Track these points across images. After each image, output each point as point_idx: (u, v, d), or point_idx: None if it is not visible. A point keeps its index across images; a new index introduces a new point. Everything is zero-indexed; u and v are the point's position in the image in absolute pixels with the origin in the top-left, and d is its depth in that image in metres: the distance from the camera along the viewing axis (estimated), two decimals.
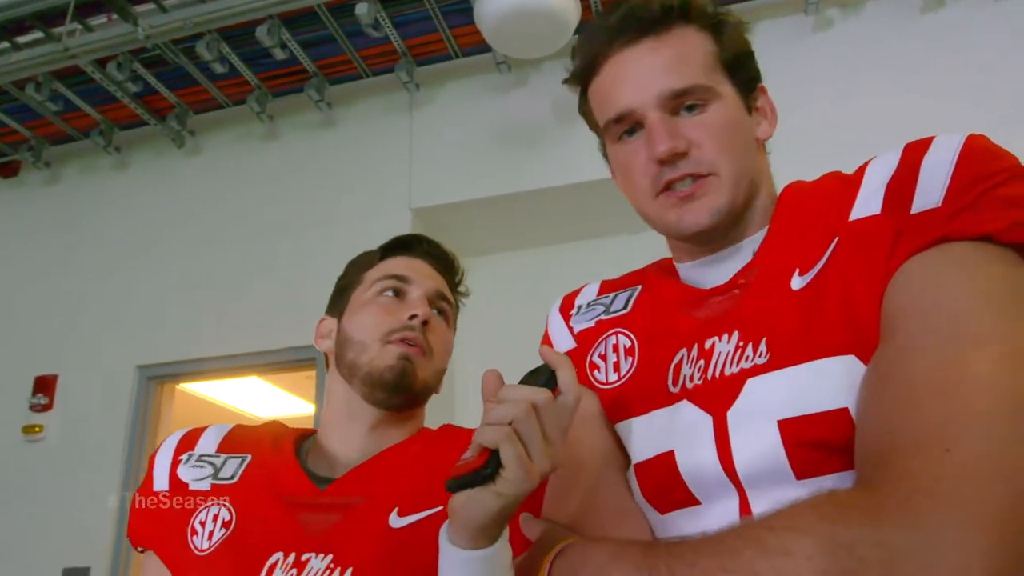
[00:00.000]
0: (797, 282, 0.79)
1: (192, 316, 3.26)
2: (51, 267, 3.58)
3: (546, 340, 1.03)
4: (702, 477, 0.79)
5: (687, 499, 0.80)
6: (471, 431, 1.12)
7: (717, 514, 0.77)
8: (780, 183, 0.94)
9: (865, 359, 0.71)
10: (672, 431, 0.82)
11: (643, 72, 0.87)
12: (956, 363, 0.63)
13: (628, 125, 0.88)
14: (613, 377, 0.92)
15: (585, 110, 0.97)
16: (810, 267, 0.79)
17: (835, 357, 0.72)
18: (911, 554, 0.55)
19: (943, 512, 0.56)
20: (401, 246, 1.25)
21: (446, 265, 1.27)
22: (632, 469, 0.87)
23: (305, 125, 3.47)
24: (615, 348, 0.93)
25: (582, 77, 0.94)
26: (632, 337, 0.93)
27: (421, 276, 1.20)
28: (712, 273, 0.90)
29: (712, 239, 0.89)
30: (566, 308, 1.04)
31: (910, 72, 2.79)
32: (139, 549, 1.12)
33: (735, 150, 0.86)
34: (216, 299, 3.24)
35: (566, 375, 0.77)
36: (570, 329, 1.01)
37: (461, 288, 1.30)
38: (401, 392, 1.11)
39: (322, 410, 1.20)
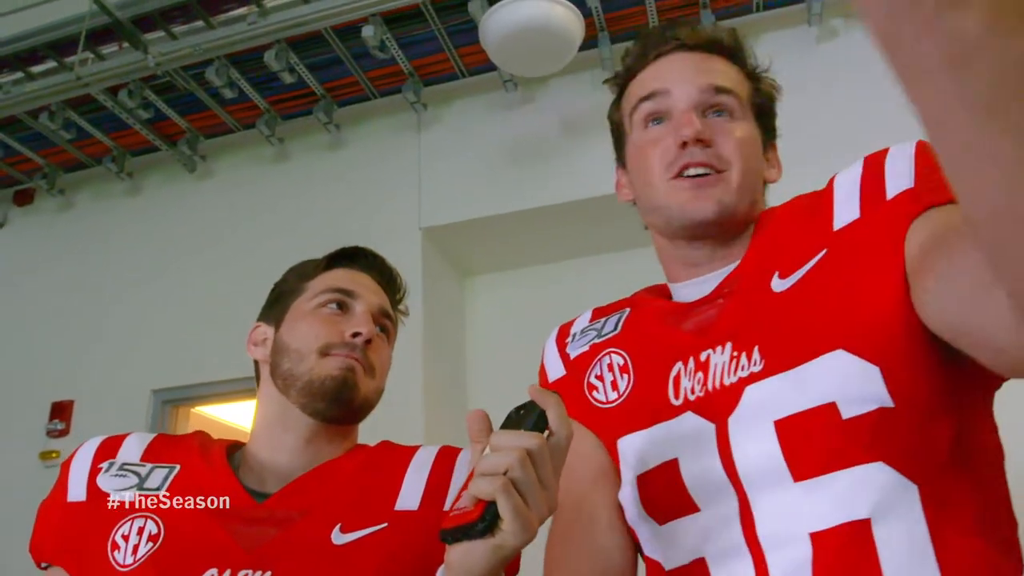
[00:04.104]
0: (778, 284, 0.83)
1: (206, 339, 3.27)
2: (66, 293, 3.61)
3: (541, 370, 1.06)
4: (705, 482, 0.81)
5: (687, 506, 0.82)
6: (411, 448, 1.12)
7: (716, 518, 0.80)
8: (786, 197, 0.96)
9: (854, 349, 0.74)
10: (675, 441, 0.84)
11: (689, 68, 0.95)
12: None
13: (657, 108, 0.95)
14: (613, 395, 0.94)
15: (615, 114, 1.04)
16: (792, 271, 0.83)
17: (824, 355, 0.75)
18: None
19: None
20: (346, 257, 1.22)
21: (389, 281, 1.24)
22: (633, 482, 0.88)
23: (314, 147, 3.50)
24: (610, 367, 0.95)
25: (627, 73, 1.01)
26: (624, 355, 0.95)
27: (366, 291, 1.16)
28: (702, 292, 0.94)
29: (710, 235, 0.93)
30: (562, 336, 1.06)
31: None
32: (42, 565, 1.04)
33: (750, 162, 0.93)
34: (230, 321, 3.24)
35: (556, 414, 0.75)
36: (564, 356, 1.02)
37: (401, 306, 1.27)
38: (341, 405, 1.07)
39: (254, 421, 1.15)
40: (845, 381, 0.74)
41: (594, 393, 0.96)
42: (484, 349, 3.42)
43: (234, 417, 4.41)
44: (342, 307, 1.14)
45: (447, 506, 1.00)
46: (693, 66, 0.95)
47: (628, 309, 1.01)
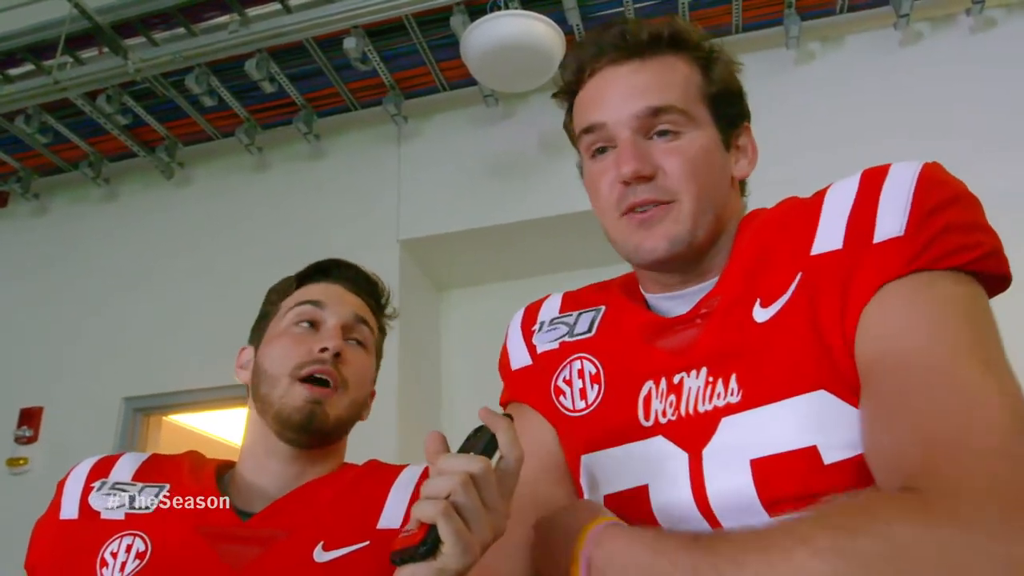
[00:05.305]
0: (760, 314, 0.80)
1: (179, 347, 3.25)
2: (38, 298, 3.57)
3: (503, 353, 1.04)
4: (675, 513, 0.79)
5: None
6: (397, 467, 1.13)
7: None
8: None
9: (836, 391, 0.72)
10: (647, 466, 0.83)
11: (621, 91, 0.88)
12: (964, 382, 0.65)
13: (599, 140, 0.89)
14: (580, 404, 0.92)
15: (569, 126, 0.99)
16: (773, 299, 0.80)
17: (805, 395, 0.73)
18: (966, 550, 0.56)
19: (990, 509, 0.57)
20: (318, 271, 1.22)
21: (367, 288, 1.23)
22: (600, 501, 0.86)
23: (294, 157, 3.50)
24: (580, 374, 0.93)
25: (568, 91, 0.95)
26: (597, 363, 0.92)
27: (336, 302, 1.16)
28: (679, 306, 0.90)
29: (671, 269, 0.89)
30: (527, 322, 1.03)
31: (891, 104, 2.84)
32: None
33: (702, 181, 0.86)
34: (204, 330, 3.23)
35: (506, 438, 0.76)
36: (531, 348, 1.00)
37: (388, 310, 1.27)
38: (311, 434, 1.08)
39: (242, 441, 1.17)
40: (826, 423, 0.72)
41: (561, 398, 0.94)
42: (460, 362, 3.42)
43: (206, 426, 4.37)
44: (313, 323, 1.14)
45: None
46: (627, 85, 0.88)
47: (603, 308, 0.97)
